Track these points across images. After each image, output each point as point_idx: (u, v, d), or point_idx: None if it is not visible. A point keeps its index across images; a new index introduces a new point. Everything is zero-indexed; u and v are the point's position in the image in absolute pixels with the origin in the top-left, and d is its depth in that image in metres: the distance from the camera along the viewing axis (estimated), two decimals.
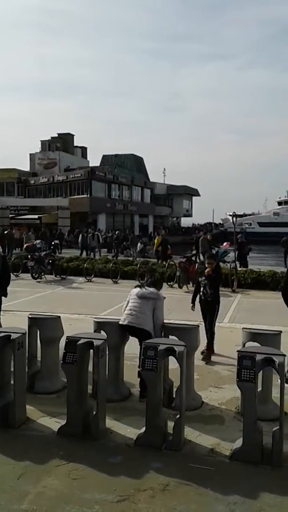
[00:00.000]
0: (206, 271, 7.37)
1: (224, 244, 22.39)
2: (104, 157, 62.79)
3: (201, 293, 7.37)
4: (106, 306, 11.21)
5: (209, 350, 7.16)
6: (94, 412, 4.57)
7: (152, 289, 5.74)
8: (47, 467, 3.97)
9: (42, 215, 42.25)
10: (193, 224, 73.64)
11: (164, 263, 18.07)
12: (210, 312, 7.31)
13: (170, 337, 5.31)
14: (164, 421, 4.49)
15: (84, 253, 25.60)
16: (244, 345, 5.20)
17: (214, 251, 18.77)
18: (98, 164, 59.56)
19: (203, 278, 7.33)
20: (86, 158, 63.79)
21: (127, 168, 59.44)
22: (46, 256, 17.87)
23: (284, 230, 43.92)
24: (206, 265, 7.50)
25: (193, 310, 7.39)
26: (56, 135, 58.66)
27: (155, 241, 24.20)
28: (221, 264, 18.07)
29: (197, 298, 7.50)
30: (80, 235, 27.23)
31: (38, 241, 25.64)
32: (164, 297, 5.89)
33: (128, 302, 5.76)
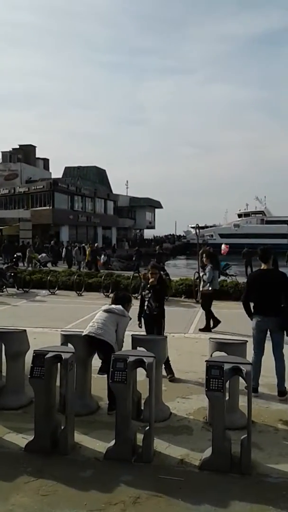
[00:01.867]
0: (150, 281, 6.98)
1: (223, 247, 22.15)
2: (67, 168, 62.60)
3: (145, 307, 6.90)
4: (71, 319, 11.12)
5: (171, 372, 6.62)
6: (62, 427, 4.51)
7: (119, 306, 5.79)
8: (16, 484, 3.87)
9: (3, 227, 41.54)
10: (154, 236, 74.06)
11: (94, 271, 20.56)
12: (157, 326, 6.80)
13: (138, 348, 5.33)
14: (134, 433, 4.48)
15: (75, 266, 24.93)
16: (211, 355, 5.28)
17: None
18: (60, 175, 59.34)
19: (147, 291, 6.92)
20: (48, 169, 63.43)
21: (89, 180, 59.45)
22: (8, 268, 17.57)
23: (245, 241, 44.90)
24: (149, 275, 7.05)
25: (140, 327, 6.96)
26: (18, 147, 58.07)
27: (87, 252, 25.40)
28: (224, 277, 18.10)
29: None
30: (64, 249, 26.64)
31: (43, 254, 24.95)
32: (130, 318, 5.92)
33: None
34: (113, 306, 5.82)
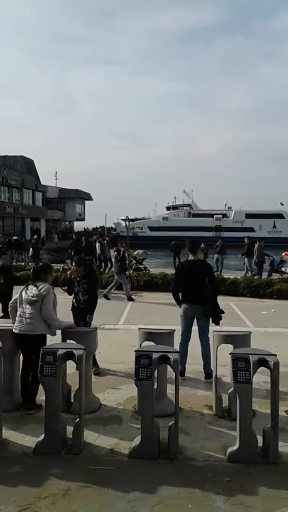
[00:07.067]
0: (69, 273, 6.82)
1: (283, 254, 21.74)
2: None
3: (73, 300, 6.78)
4: None
5: (95, 365, 6.47)
6: None
7: (40, 287, 5.34)
8: None
9: None
10: (84, 229, 73.14)
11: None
12: (84, 321, 6.60)
13: (68, 341, 5.30)
14: (63, 426, 4.46)
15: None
16: (140, 345, 5.37)
17: (269, 260, 19.13)
18: None
19: (76, 284, 6.69)
20: None
21: (16, 170, 57.50)
22: None
23: (173, 233, 45.81)
24: (74, 268, 6.74)
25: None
26: None
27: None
28: (278, 275, 17.87)
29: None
30: (98, 243, 19.04)
31: (140, 251, 20.75)
32: (53, 287, 5.52)
33: (18, 302, 5.44)
34: (31, 296, 5.33)
